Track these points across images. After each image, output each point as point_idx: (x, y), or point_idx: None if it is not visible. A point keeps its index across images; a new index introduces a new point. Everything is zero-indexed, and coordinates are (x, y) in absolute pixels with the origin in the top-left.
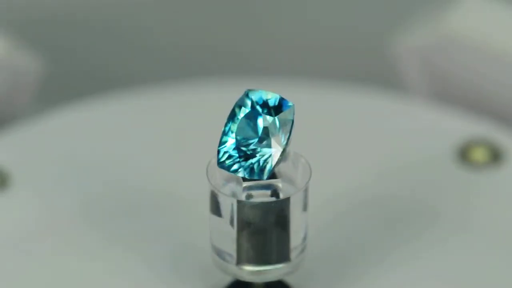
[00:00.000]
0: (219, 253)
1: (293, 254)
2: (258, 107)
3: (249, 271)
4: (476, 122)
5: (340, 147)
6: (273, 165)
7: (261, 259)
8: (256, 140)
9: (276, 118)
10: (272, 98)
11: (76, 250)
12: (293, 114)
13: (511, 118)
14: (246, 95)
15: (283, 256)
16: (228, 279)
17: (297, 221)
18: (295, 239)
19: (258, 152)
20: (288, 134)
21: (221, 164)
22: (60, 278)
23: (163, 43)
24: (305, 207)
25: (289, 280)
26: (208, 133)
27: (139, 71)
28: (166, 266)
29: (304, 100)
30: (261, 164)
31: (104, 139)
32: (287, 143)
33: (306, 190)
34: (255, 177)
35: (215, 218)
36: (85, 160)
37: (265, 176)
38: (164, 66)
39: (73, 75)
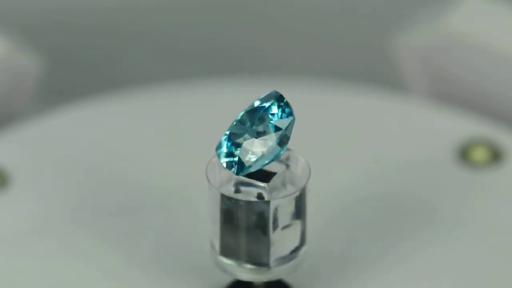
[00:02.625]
0: (212, 244)
1: (274, 262)
2: (264, 106)
3: (228, 264)
4: (477, 122)
5: (339, 147)
6: (248, 165)
7: (237, 255)
8: (242, 135)
9: (270, 122)
10: (280, 103)
11: (76, 249)
12: (288, 127)
13: None
14: (273, 92)
15: (259, 260)
16: (228, 279)
17: (285, 228)
18: (279, 247)
19: (242, 148)
20: (276, 142)
21: (217, 150)
22: (60, 277)
23: (164, 43)
24: (297, 215)
25: (289, 279)
26: (208, 133)
27: (139, 71)
28: (166, 265)
29: (304, 100)
30: (237, 160)
31: (104, 139)
32: (272, 150)
33: (299, 198)
34: (233, 172)
35: (208, 209)
36: (85, 160)
37: (237, 173)
38: (164, 66)
39: (73, 75)
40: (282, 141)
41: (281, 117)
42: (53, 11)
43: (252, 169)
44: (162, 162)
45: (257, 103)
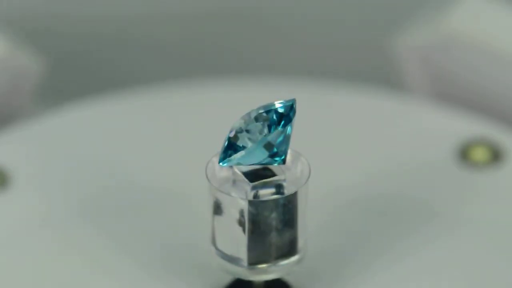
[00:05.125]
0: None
1: (252, 264)
2: (271, 109)
3: (214, 254)
4: (477, 122)
5: (339, 147)
6: (228, 158)
7: (220, 248)
8: (241, 127)
9: (266, 125)
10: (286, 113)
11: (76, 249)
12: (272, 135)
13: None
14: (292, 100)
15: (237, 256)
16: (228, 279)
17: (268, 232)
18: (260, 251)
19: (231, 139)
20: (258, 145)
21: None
22: (60, 277)
23: (164, 43)
24: (286, 223)
25: (289, 279)
26: (208, 133)
27: (139, 71)
28: (166, 265)
29: (304, 100)
30: (223, 150)
31: (104, 138)
32: (253, 152)
33: (287, 205)
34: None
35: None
36: (85, 159)
37: (219, 162)
38: (164, 65)
39: (73, 75)
40: (267, 148)
41: (278, 125)
42: (53, 11)
43: (233, 163)
44: (162, 162)
45: (271, 104)
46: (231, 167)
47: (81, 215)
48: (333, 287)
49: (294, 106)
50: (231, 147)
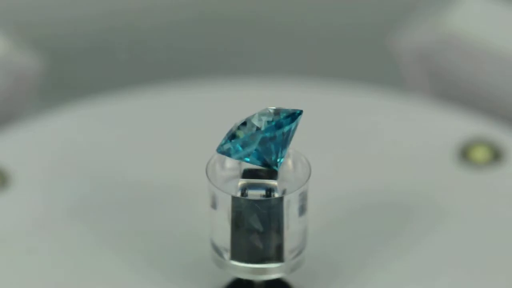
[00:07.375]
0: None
1: (233, 260)
2: (273, 113)
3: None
4: (477, 121)
5: (339, 147)
6: (222, 148)
7: (213, 240)
8: (243, 123)
9: (258, 125)
10: (280, 119)
11: (76, 249)
12: (260, 139)
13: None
14: (298, 112)
15: (222, 247)
16: (228, 279)
17: (250, 232)
18: (242, 249)
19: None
20: (238, 143)
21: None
22: (60, 276)
23: (164, 43)
24: (269, 225)
25: (289, 279)
26: (208, 132)
27: (140, 71)
28: (166, 265)
29: (304, 100)
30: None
31: (104, 139)
32: (238, 150)
33: (271, 208)
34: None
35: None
36: (85, 159)
37: (217, 150)
38: (164, 66)
39: (73, 75)
40: (252, 148)
41: (278, 129)
42: (53, 11)
43: (226, 154)
44: (162, 162)
45: (279, 109)
46: (239, 163)
47: (81, 215)
48: (333, 287)
49: (294, 117)
50: (230, 138)
